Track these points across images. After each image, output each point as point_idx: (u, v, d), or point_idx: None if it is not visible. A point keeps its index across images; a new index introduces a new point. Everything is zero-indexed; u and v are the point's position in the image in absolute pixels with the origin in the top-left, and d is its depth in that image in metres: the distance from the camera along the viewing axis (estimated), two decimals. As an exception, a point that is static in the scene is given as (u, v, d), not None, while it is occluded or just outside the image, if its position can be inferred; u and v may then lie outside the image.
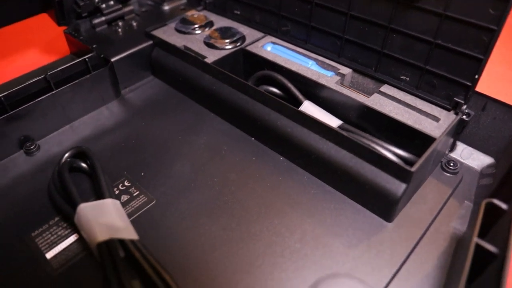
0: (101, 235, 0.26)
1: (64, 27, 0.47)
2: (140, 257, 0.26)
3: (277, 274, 0.27)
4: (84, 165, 0.34)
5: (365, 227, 0.30)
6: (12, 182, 0.35)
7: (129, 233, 0.28)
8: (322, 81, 0.37)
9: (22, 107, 0.36)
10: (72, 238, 0.30)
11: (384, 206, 0.30)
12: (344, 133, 0.31)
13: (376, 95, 0.35)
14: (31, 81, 0.38)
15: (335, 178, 0.33)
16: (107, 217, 0.28)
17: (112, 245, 0.26)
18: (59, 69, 0.39)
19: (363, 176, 0.30)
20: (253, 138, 0.38)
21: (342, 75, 0.38)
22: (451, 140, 0.35)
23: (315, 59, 0.41)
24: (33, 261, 0.29)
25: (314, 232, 0.30)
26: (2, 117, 0.35)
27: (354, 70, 0.39)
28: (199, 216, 0.31)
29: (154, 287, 0.25)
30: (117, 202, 0.30)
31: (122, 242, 0.27)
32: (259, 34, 0.44)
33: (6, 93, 0.36)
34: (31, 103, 0.37)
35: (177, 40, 0.44)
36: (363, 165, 0.30)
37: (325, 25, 0.39)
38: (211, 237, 0.30)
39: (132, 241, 0.27)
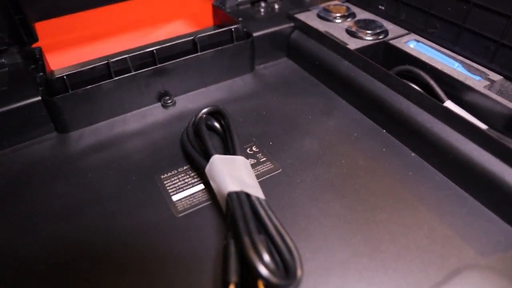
0: (232, 186, 0.27)
1: (212, 0, 0.49)
2: (264, 216, 0.26)
3: (400, 264, 0.26)
4: (217, 124, 0.35)
5: (501, 239, 0.28)
6: (148, 127, 0.37)
7: (257, 191, 0.28)
8: (469, 83, 0.35)
9: (169, 62, 0.38)
10: (198, 187, 0.31)
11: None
12: (494, 134, 0.29)
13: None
14: (181, 40, 0.40)
15: (472, 182, 0.30)
16: (238, 172, 0.29)
17: (242, 197, 0.26)
18: (207, 33, 0.41)
19: (507, 184, 0.28)
20: (384, 131, 0.36)
21: (492, 81, 0.36)
22: None
23: (461, 62, 0.38)
24: (160, 201, 0.30)
25: (443, 232, 0.28)
26: (151, 68, 0.38)
27: (506, 78, 0.36)
28: (325, 191, 0.30)
29: (275, 247, 0.25)
30: (247, 161, 0.31)
31: (248, 197, 0.27)
32: (403, 31, 0.43)
33: (158, 47, 0.39)
34: (177, 60, 0.39)
35: (319, 25, 0.44)
36: (509, 172, 0.28)
37: (480, 27, 0.37)
38: (334, 214, 0.29)
39: (258, 198, 0.27)
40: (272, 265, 0.23)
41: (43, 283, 0.25)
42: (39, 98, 0.35)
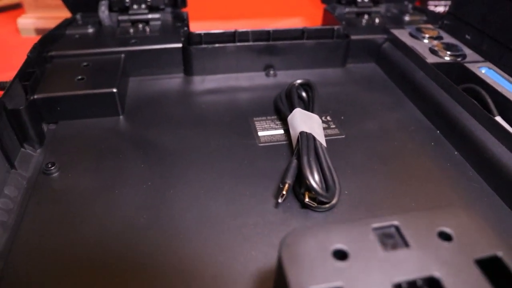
0: (305, 128, 0.36)
1: (324, 5, 0.60)
2: (321, 154, 0.35)
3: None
4: (304, 94, 0.45)
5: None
6: (252, 87, 0.48)
7: (321, 139, 0.37)
8: (522, 106, 0.41)
9: (279, 42, 0.49)
10: (280, 131, 0.41)
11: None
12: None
13: None
14: (293, 28, 0.50)
15: (499, 182, 0.36)
16: (311, 123, 0.38)
17: (310, 136, 0.36)
18: (313, 27, 0.51)
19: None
20: (438, 131, 0.44)
21: (546, 109, 0.41)
22: None
23: (524, 91, 0.44)
24: (249, 133, 0.41)
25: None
26: (264, 43, 0.49)
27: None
28: (372, 158, 0.38)
29: (323, 175, 0.34)
30: (320, 120, 0.40)
31: (314, 139, 0.36)
32: (480, 59, 0.50)
33: (273, 29, 0.50)
34: (286, 42, 0.49)
35: (407, 40, 0.52)
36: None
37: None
38: (374, 171, 0.37)
39: (320, 143, 0.36)
40: (318, 181, 0.32)
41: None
42: (180, 45, 0.47)
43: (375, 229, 0.24)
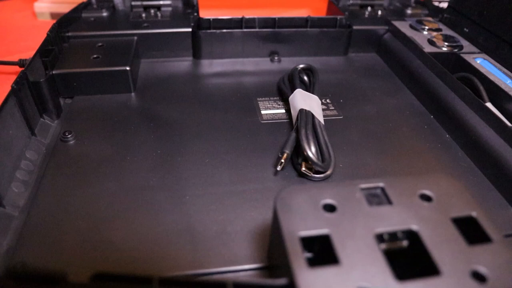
0: (305, 106, 0.39)
1: (329, -3, 0.62)
2: (319, 130, 0.37)
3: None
4: (306, 78, 0.47)
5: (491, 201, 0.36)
6: (257, 71, 0.51)
7: (319, 117, 0.39)
8: (511, 92, 0.43)
9: (284, 29, 0.52)
10: (281, 110, 0.44)
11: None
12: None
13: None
14: (297, 17, 0.53)
15: (484, 160, 0.38)
16: (311, 102, 0.41)
17: (309, 113, 0.38)
18: (317, 17, 0.53)
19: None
20: (432, 116, 0.46)
21: (534, 97, 0.44)
22: None
23: (515, 81, 0.47)
24: (253, 111, 0.43)
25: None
26: (270, 30, 0.51)
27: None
28: (368, 136, 0.41)
29: (320, 149, 0.36)
30: (319, 100, 0.42)
31: (312, 117, 0.39)
32: (476, 50, 0.52)
33: (279, 17, 0.52)
34: (291, 29, 0.52)
35: (407, 32, 0.54)
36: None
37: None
38: (369, 147, 0.40)
39: (319, 121, 0.39)
40: (314, 152, 0.35)
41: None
42: (190, 29, 0.50)
43: (363, 189, 0.26)
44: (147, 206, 0.32)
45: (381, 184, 0.26)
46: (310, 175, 0.34)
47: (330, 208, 0.25)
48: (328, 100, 0.46)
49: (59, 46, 0.45)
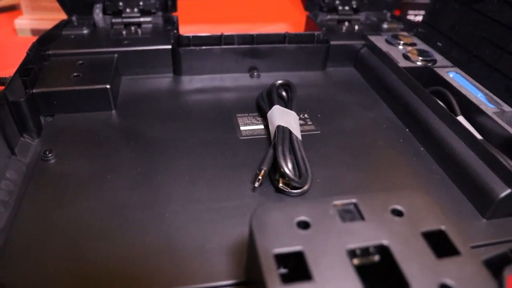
0: (282, 122, 0.40)
1: (307, 12, 0.63)
2: (296, 146, 0.38)
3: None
4: (284, 94, 0.48)
5: (462, 210, 0.37)
6: (236, 87, 0.52)
7: (297, 133, 0.40)
8: (482, 107, 0.45)
9: (262, 45, 0.53)
10: (260, 126, 0.45)
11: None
12: (486, 144, 0.39)
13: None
14: (275, 33, 0.54)
15: (456, 172, 0.40)
16: (288, 118, 0.42)
17: (286, 130, 0.39)
18: (295, 33, 0.55)
19: (481, 178, 0.37)
20: (407, 130, 0.47)
21: (503, 111, 0.45)
22: None
23: (485, 94, 0.48)
24: (232, 128, 0.44)
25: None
26: (248, 46, 0.52)
27: (516, 112, 0.46)
28: (345, 151, 0.42)
29: (297, 165, 0.37)
30: (297, 116, 0.43)
31: (290, 133, 0.40)
32: (449, 64, 0.54)
33: (257, 33, 0.53)
34: (269, 45, 0.53)
35: (383, 46, 0.56)
36: (484, 169, 0.38)
37: (508, 70, 0.47)
38: (345, 162, 0.41)
39: (296, 137, 0.40)
40: (291, 168, 0.35)
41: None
42: (170, 46, 0.51)
43: (336, 205, 0.27)
44: (127, 225, 0.32)
45: (354, 200, 0.27)
46: (287, 190, 0.35)
47: (304, 225, 0.25)
48: (306, 115, 0.47)
49: (39, 65, 0.46)
